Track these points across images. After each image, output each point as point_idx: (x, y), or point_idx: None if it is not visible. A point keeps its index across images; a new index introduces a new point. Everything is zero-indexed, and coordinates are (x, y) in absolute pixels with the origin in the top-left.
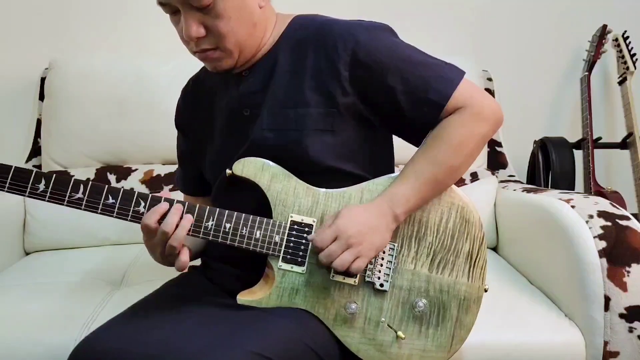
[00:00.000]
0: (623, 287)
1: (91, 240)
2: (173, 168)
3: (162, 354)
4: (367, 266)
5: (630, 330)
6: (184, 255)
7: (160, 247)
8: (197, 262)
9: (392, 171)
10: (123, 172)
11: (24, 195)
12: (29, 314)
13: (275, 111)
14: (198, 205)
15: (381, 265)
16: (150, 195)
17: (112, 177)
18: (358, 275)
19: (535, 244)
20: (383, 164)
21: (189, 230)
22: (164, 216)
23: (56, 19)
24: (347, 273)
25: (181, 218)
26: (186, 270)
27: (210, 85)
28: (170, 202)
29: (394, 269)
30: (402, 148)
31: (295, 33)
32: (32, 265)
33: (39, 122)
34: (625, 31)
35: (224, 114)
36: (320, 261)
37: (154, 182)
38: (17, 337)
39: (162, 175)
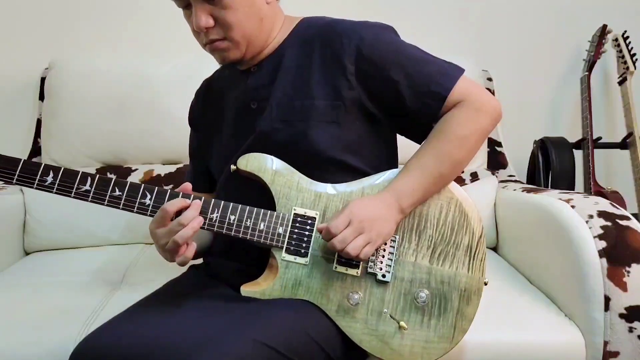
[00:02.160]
0: (623, 287)
1: (91, 240)
2: (173, 168)
3: (165, 345)
4: (369, 257)
5: (630, 330)
6: (189, 252)
7: (166, 238)
8: (198, 261)
9: (396, 168)
10: (123, 172)
11: (32, 187)
12: (29, 313)
13: (282, 103)
14: (203, 198)
15: (383, 256)
16: (157, 188)
17: (112, 177)
18: (360, 267)
19: (535, 244)
20: (387, 160)
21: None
22: (180, 212)
23: (56, 19)
24: (354, 260)
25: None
26: (187, 266)
27: (221, 85)
28: (189, 197)
29: (396, 260)
30: (404, 147)
31: (303, 32)
32: (32, 265)
33: (39, 122)
34: (625, 31)
35: (232, 108)
36: (334, 247)
37: (153, 182)
38: (17, 337)
39: (162, 175)
